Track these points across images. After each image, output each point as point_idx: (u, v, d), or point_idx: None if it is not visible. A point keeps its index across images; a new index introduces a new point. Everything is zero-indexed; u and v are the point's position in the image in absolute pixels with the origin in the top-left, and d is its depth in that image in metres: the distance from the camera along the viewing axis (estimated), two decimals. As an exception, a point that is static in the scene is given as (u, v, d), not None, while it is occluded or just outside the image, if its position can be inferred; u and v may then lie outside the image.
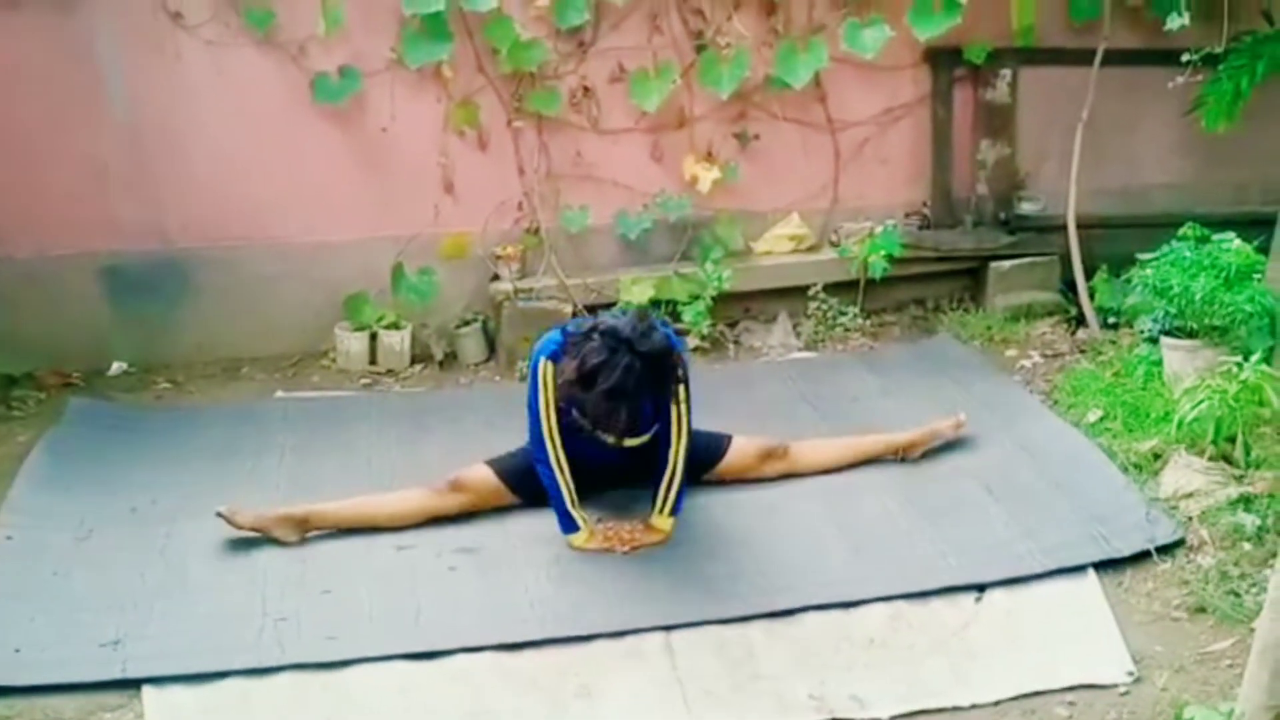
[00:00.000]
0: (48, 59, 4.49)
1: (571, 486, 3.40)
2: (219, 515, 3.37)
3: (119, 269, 4.76)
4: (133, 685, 2.84)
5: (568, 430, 3.34)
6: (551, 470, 3.38)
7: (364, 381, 4.78)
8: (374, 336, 4.87)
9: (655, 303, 4.90)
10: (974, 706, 2.76)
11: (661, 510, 3.44)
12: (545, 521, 3.47)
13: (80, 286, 4.73)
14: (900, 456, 3.84)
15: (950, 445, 3.95)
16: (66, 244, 4.68)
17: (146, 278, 4.78)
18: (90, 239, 4.70)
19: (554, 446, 3.36)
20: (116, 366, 4.80)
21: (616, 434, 3.18)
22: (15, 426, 4.30)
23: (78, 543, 3.46)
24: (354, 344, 4.86)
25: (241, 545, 3.43)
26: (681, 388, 3.32)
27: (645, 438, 3.39)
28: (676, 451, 3.40)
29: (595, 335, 3.09)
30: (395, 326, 4.89)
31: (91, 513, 3.62)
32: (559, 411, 3.31)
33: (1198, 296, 3.94)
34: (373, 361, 4.88)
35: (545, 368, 3.29)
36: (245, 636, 3.01)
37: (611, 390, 3.03)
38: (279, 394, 4.63)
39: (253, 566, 3.33)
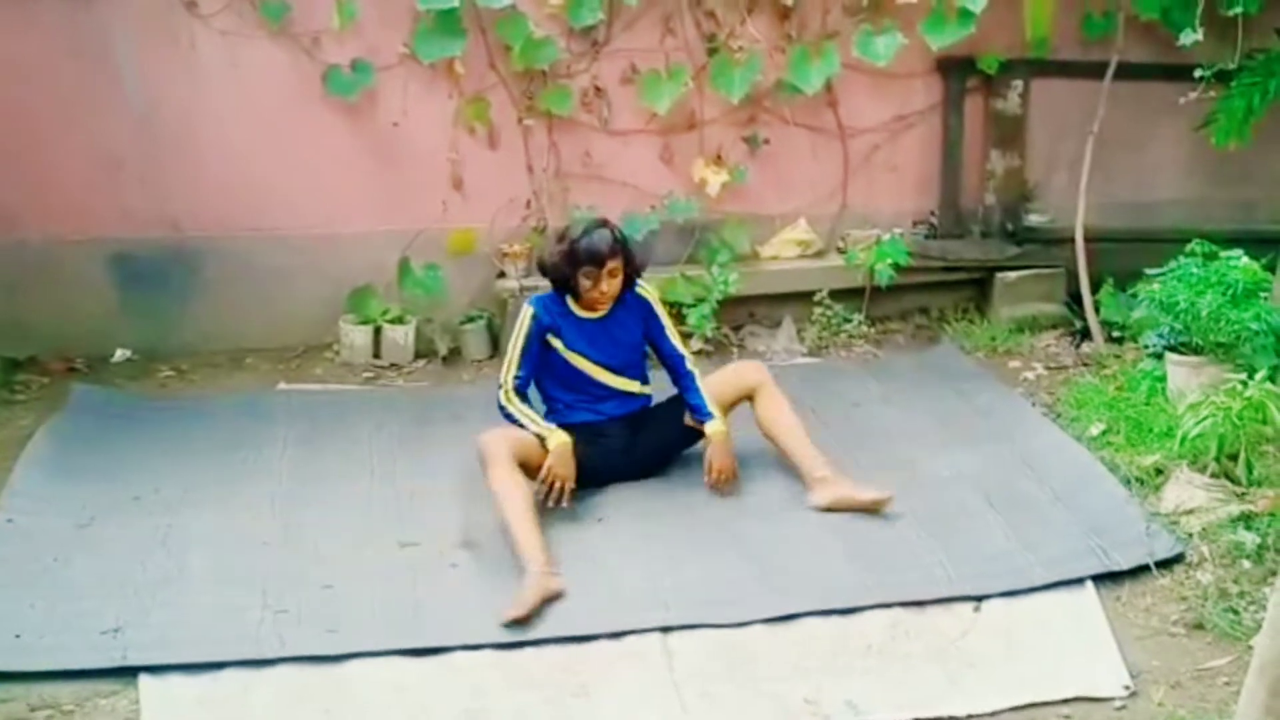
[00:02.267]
0: (63, 47, 4.51)
1: (529, 410, 3.65)
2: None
3: (127, 257, 4.77)
4: (131, 673, 2.85)
5: (556, 369, 3.71)
6: (508, 408, 3.63)
7: (367, 375, 4.79)
8: (378, 330, 4.88)
9: (660, 304, 4.91)
10: (970, 717, 2.76)
11: (708, 413, 3.71)
12: (545, 521, 3.48)
13: (88, 273, 4.75)
14: (807, 487, 3.66)
15: (952, 455, 3.96)
16: (77, 231, 4.70)
17: (154, 266, 4.79)
18: (100, 226, 4.71)
19: (510, 371, 3.66)
20: (121, 354, 4.81)
21: (588, 261, 3.56)
22: (18, 411, 4.31)
23: (79, 529, 3.47)
24: (358, 337, 4.86)
25: (243, 538, 3.44)
26: (652, 293, 3.83)
27: (638, 384, 3.79)
28: (675, 341, 3.80)
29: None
30: (400, 321, 4.90)
31: (93, 500, 3.62)
32: (527, 345, 3.67)
33: (1204, 313, 3.94)
34: (377, 355, 4.88)
35: (525, 310, 3.70)
36: (245, 628, 3.01)
37: (585, 231, 3.60)
38: (282, 385, 4.64)
39: (255, 559, 3.33)
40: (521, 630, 3.02)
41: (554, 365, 3.72)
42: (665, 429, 3.82)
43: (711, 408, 3.72)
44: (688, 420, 3.79)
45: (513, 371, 3.67)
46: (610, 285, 3.63)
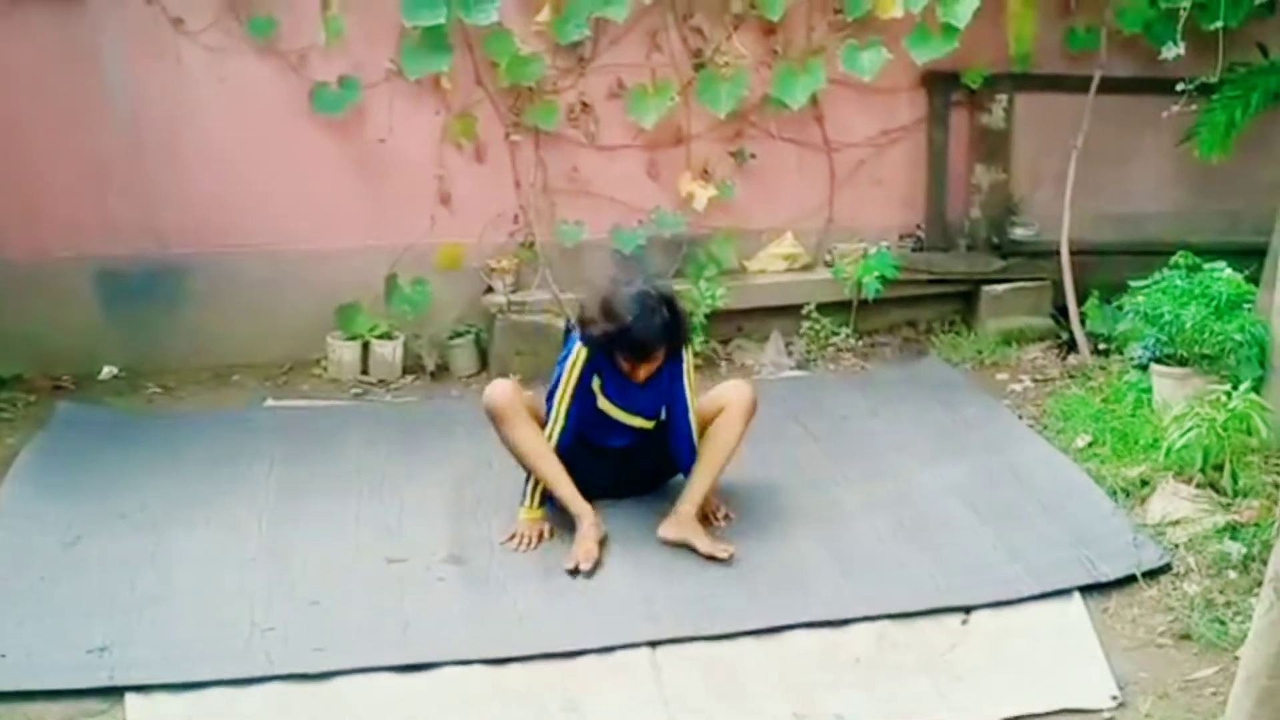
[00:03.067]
0: (50, 61, 4.51)
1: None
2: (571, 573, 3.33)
3: (113, 272, 4.76)
4: (118, 692, 2.83)
5: (582, 409, 3.54)
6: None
7: (355, 391, 4.78)
8: (366, 346, 4.87)
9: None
10: (959, 729, 2.77)
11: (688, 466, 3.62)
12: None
13: (74, 289, 4.73)
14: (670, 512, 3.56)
15: (939, 467, 3.97)
16: (62, 246, 4.69)
17: (141, 282, 4.78)
18: (86, 242, 4.70)
19: (557, 424, 3.53)
20: (107, 371, 4.80)
21: (633, 352, 3.37)
22: (4, 429, 4.29)
23: (65, 548, 3.45)
24: (346, 353, 4.86)
25: (231, 554, 3.43)
26: (688, 353, 3.60)
27: (651, 423, 3.64)
28: (690, 418, 3.60)
29: (612, 285, 3.50)
30: (388, 336, 4.90)
31: (80, 518, 3.60)
32: (576, 391, 3.51)
33: (1188, 324, 3.97)
34: (364, 371, 4.88)
35: (580, 350, 3.49)
36: (232, 646, 2.99)
37: (636, 315, 3.33)
38: (269, 402, 4.63)
39: (242, 576, 3.32)
40: (510, 647, 3.01)
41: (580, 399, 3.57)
42: (660, 455, 3.72)
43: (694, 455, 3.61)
44: None
45: (559, 425, 3.52)
46: (652, 368, 3.46)
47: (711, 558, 3.40)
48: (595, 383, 3.54)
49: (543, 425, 3.56)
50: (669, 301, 3.45)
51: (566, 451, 3.54)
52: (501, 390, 3.55)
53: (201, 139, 4.70)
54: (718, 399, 3.66)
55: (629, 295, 3.39)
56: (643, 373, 3.46)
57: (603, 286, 3.42)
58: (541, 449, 3.51)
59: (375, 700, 2.85)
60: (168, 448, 4.13)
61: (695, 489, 3.55)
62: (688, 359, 3.61)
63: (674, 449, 3.66)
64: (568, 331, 3.61)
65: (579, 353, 3.49)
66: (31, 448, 4.04)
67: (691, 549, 3.43)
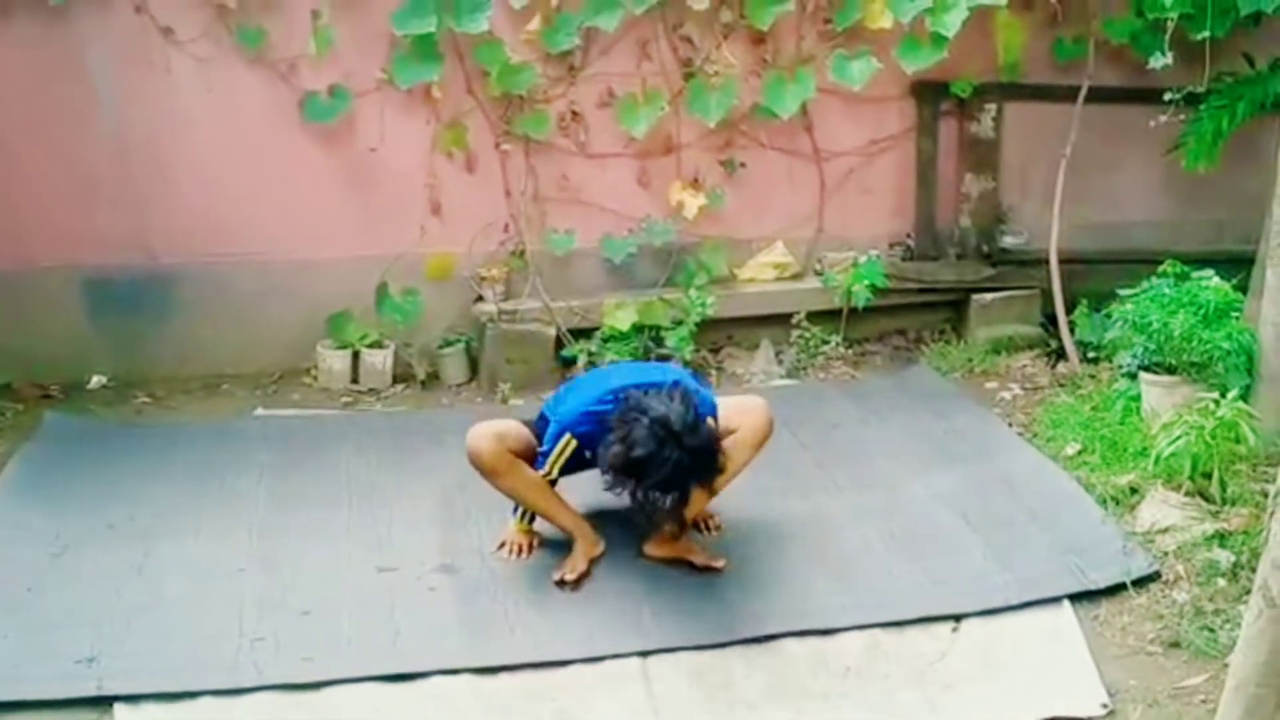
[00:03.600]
0: (37, 71, 4.50)
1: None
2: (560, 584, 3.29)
3: (102, 282, 4.75)
4: (106, 703, 2.82)
5: (576, 464, 3.38)
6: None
7: (345, 400, 4.77)
8: (356, 355, 4.87)
9: (638, 328, 4.91)
10: (949, 738, 2.78)
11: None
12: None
13: (62, 299, 4.72)
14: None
15: (929, 476, 3.97)
16: (50, 256, 4.67)
17: (129, 292, 4.77)
18: (74, 251, 4.69)
19: (550, 476, 3.39)
20: (96, 380, 4.78)
21: (661, 519, 3.22)
22: (-8, 438, 4.28)
23: (53, 558, 3.44)
24: (336, 362, 4.85)
25: (220, 565, 3.42)
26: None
27: None
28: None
29: (643, 420, 3.01)
30: (378, 345, 4.89)
31: (67, 528, 3.59)
32: (565, 465, 3.35)
33: (1176, 333, 3.98)
34: (354, 380, 4.87)
35: (568, 442, 3.30)
36: (222, 656, 2.99)
37: (661, 483, 3.01)
38: (259, 411, 4.62)
39: (231, 586, 3.31)
40: (501, 656, 3.01)
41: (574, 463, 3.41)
42: None
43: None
44: None
45: (552, 476, 3.38)
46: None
47: (708, 568, 3.38)
48: (586, 455, 3.33)
49: (533, 454, 3.38)
50: (704, 456, 3.05)
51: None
52: (485, 446, 3.31)
53: (191, 149, 4.69)
54: (732, 416, 3.41)
55: (654, 479, 3.00)
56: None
57: (638, 438, 3.00)
58: (536, 492, 3.37)
59: (365, 710, 2.84)
60: (157, 457, 4.11)
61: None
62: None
63: None
64: (542, 418, 3.46)
65: (566, 445, 3.31)
66: (19, 457, 4.02)
67: (685, 564, 3.40)
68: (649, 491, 3.03)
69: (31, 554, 3.44)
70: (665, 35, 4.93)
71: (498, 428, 3.37)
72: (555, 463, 3.34)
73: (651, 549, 3.46)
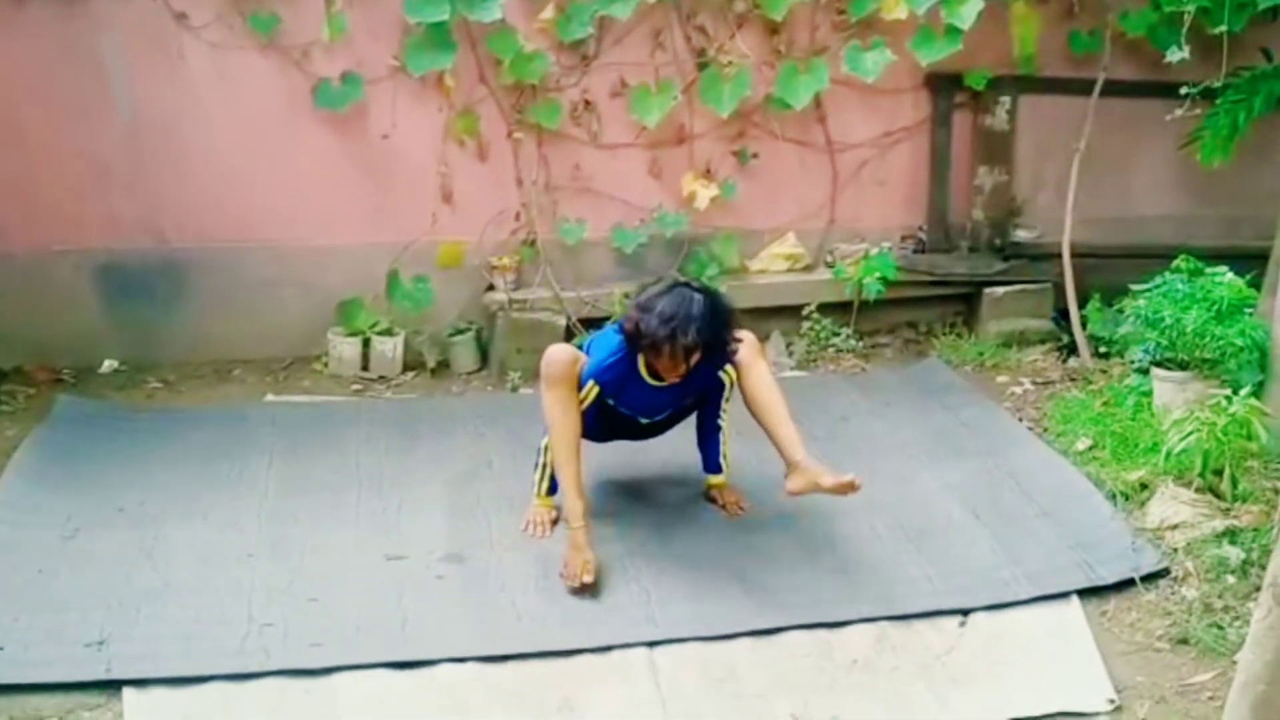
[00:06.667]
0: (52, 57, 4.50)
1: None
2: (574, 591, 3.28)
3: (115, 267, 4.76)
4: (115, 686, 2.84)
5: (602, 412, 3.47)
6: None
7: (355, 387, 4.78)
8: (367, 342, 4.87)
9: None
10: (955, 732, 2.78)
11: (717, 467, 3.72)
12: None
13: (75, 284, 4.73)
14: (785, 473, 3.41)
15: (939, 469, 3.97)
16: (64, 241, 4.69)
17: (142, 277, 4.78)
18: (87, 237, 4.70)
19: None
20: (108, 364, 4.80)
21: (674, 355, 3.23)
22: (4, 421, 4.30)
23: (64, 541, 3.46)
24: (346, 349, 4.86)
25: (230, 550, 3.43)
26: (730, 367, 3.46)
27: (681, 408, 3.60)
28: (724, 416, 3.62)
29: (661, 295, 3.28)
30: (388, 333, 4.90)
31: (78, 511, 3.61)
32: (590, 410, 3.44)
33: (1189, 329, 3.97)
34: (365, 367, 4.88)
35: (590, 388, 3.40)
36: (230, 641, 3.00)
37: (672, 313, 3.20)
38: (269, 397, 4.63)
39: (240, 572, 3.32)
40: (508, 645, 3.02)
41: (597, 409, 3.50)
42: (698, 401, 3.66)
43: (721, 460, 3.72)
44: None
45: (584, 409, 3.44)
46: (685, 368, 3.31)
47: (840, 486, 3.23)
48: (611, 402, 3.46)
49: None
50: (714, 300, 3.30)
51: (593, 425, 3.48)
52: (561, 356, 3.38)
53: (203, 135, 4.69)
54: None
55: (665, 286, 3.30)
56: (678, 372, 3.32)
57: (654, 290, 3.27)
58: (565, 433, 3.36)
59: (372, 697, 2.85)
60: (167, 442, 4.13)
61: (789, 440, 3.36)
62: (730, 380, 3.49)
63: (702, 448, 3.72)
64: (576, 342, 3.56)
65: (590, 389, 3.40)
66: (31, 441, 4.04)
67: (820, 491, 3.29)
68: (664, 324, 3.18)
69: (43, 537, 3.46)
70: (679, 25, 4.92)
71: (577, 352, 3.47)
72: (581, 400, 3.40)
73: (793, 484, 3.34)
